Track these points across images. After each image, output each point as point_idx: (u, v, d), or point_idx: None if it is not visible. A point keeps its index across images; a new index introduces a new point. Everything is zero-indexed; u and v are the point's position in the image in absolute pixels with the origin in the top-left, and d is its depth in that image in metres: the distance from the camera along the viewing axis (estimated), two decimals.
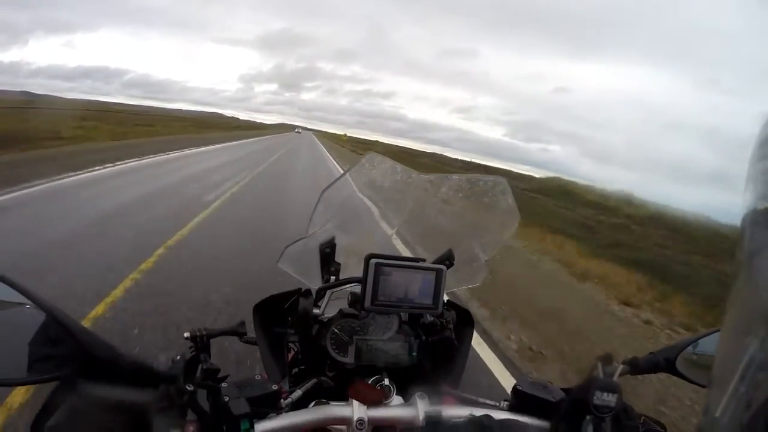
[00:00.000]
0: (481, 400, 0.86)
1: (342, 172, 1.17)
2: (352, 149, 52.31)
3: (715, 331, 0.88)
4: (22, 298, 0.62)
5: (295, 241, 1.11)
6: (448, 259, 1.08)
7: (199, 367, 0.82)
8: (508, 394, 0.89)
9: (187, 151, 20.67)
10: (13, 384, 0.64)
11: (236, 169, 15.34)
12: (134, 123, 39.22)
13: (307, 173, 18.33)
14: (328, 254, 1.12)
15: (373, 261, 0.91)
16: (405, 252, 1.88)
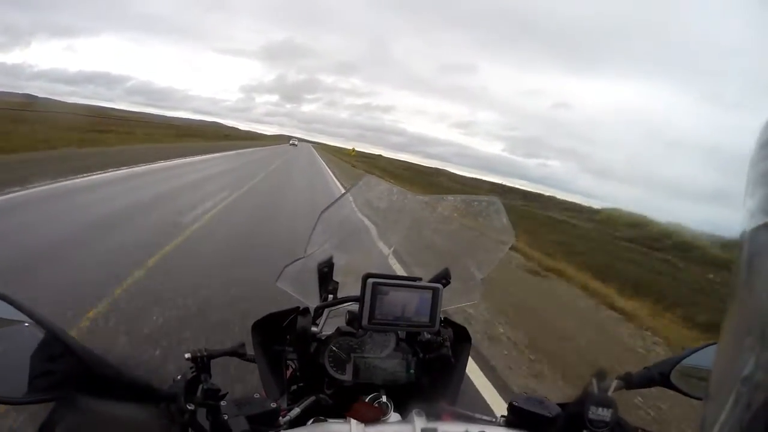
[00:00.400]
0: (477, 416, 0.87)
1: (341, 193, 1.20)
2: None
3: (709, 345, 0.89)
4: (21, 316, 0.62)
5: (294, 261, 1.13)
6: (444, 278, 1.10)
7: (200, 386, 0.83)
8: (504, 410, 0.89)
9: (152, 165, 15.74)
10: (12, 403, 0.62)
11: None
12: (107, 128, 33.10)
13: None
14: (326, 273, 1.13)
15: (371, 281, 0.93)
16: (401, 272, 1.87)
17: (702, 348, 0.89)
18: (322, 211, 1.13)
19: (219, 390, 0.81)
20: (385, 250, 1.30)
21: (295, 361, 1.03)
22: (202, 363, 0.88)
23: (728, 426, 0.28)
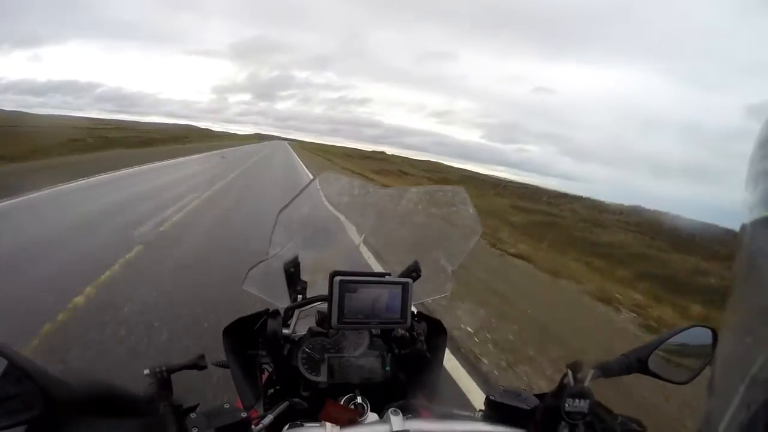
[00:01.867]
0: (455, 411, 0.86)
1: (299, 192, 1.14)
2: None
3: (686, 329, 0.90)
4: None
5: (258, 263, 1.09)
6: (414, 271, 1.08)
7: (162, 403, 0.79)
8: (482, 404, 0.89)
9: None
10: None
11: None
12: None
13: None
14: (293, 273, 1.10)
15: (338, 278, 0.90)
16: (374, 262, 1.75)
17: (680, 331, 0.90)
18: (280, 211, 1.09)
19: (181, 405, 0.77)
20: (356, 239, 1.27)
21: (270, 365, 1.00)
22: (162, 378, 0.84)
23: (732, 422, 0.28)
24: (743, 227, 0.31)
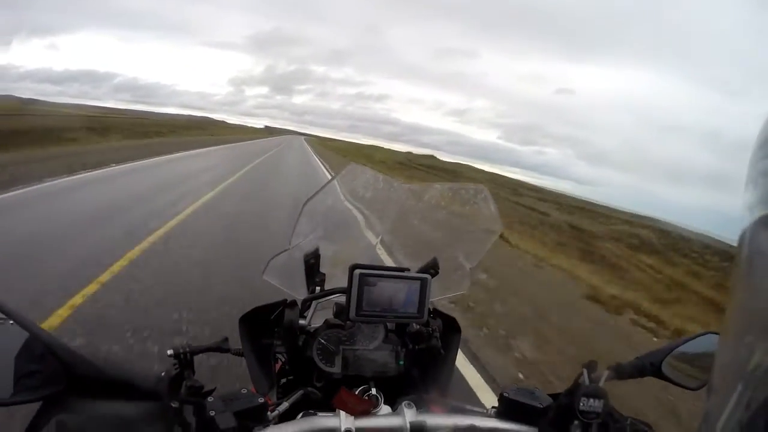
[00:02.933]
0: (468, 407, 0.87)
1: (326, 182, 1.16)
2: None
3: (702, 334, 0.90)
4: (2, 317, 0.61)
5: (279, 253, 1.11)
6: (432, 268, 1.09)
7: (183, 383, 0.81)
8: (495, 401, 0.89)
9: None
10: None
11: None
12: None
13: None
14: (312, 265, 1.12)
15: (358, 271, 0.92)
16: (389, 262, 1.78)
17: (694, 338, 0.89)
18: (306, 202, 1.10)
19: (203, 386, 0.79)
20: (373, 239, 1.28)
21: (284, 355, 1.02)
22: (185, 359, 0.86)
23: (731, 421, 0.28)
24: (743, 228, 0.31)
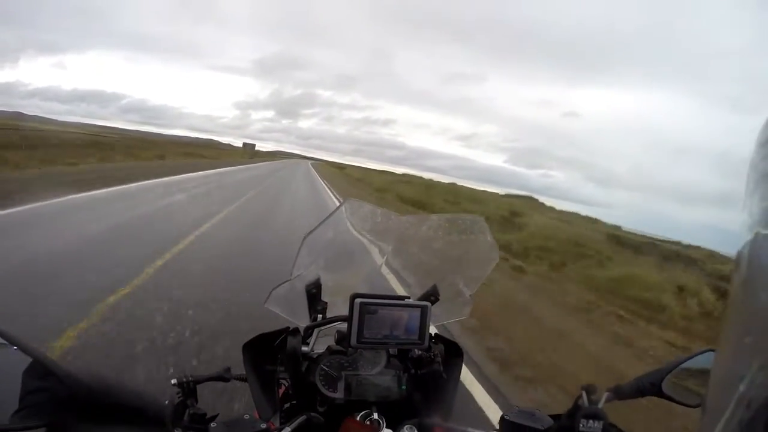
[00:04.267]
0: (470, 430, 0.87)
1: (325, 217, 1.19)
2: None
3: (701, 353, 0.90)
4: (3, 342, 0.61)
5: (281, 284, 1.13)
6: (433, 295, 1.11)
7: (187, 411, 0.82)
8: (497, 424, 0.89)
9: None
10: (2, 430, 0.62)
11: None
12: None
13: None
14: (314, 294, 1.14)
15: (358, 300, 0.94)
16: (395, 282, 1.69)
17: (693, 356, 0.90)
18: (306, 235, 1.14)
19: (206, 414, 0.80)
20: (378, 259, 1.30)
21: (287, 380, 1.03)
22: (188, 388, 0.87)
23: (732, 423, 0.28)
24: (743, 233, 0.31)
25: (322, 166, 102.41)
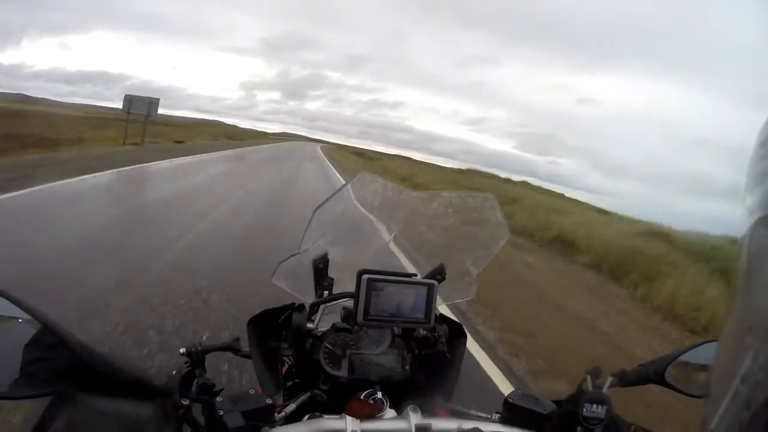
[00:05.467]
0: (473, 412, 0.87)
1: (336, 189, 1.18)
2: None
3: (705, 342, 0.90)
4: (16, 311, 0.61)
5: (289, 257, 1.13)
6: (439, 274, 1.10)
7: (195, 381, 0.83)
8: (500, 406, 0.90)
9: None
10: (8, 398, 0.62)
11: None
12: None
13: None
14: (321, 269, 1.13)
15: (365, 276, 0.93)
16: (403, 258, 1.68)
17: (698, 345, 0.89)
18: (316, 208, 1.13)
19: (214, 385, 0.81)
20: (386, 236, 1.29)
21: (291, 357, 1.04)
22: (196, 358, 0.88)
23: (728, 424, 0.28)
24: (743, 230, 0.31)
25: (334, 152, 71.66)
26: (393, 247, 1.31)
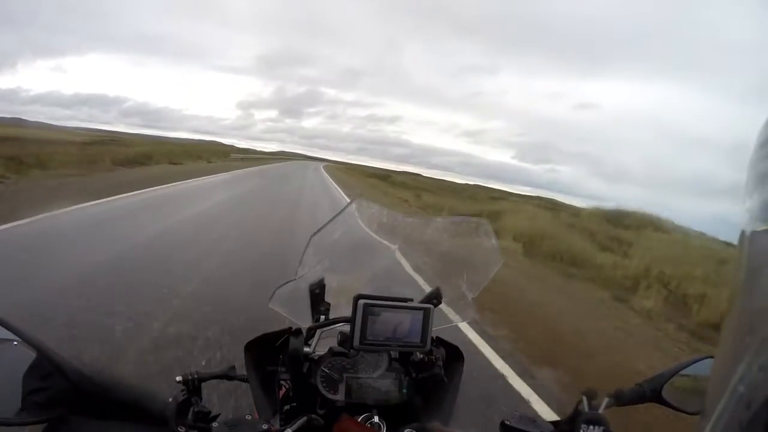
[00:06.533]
0: None
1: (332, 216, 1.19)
2: None
3: (701, 359, 0.90)
4: (10, 335, 0.61)
5: (286, 283, 1.14)
6: (435, 298, 1.11)
7: (191, 409, 0.83)
8: (497, 429, 0.89)
9: None
10: (3, 423, 0.61)
11: None
12: None
13: None
14: (317, 294, 1.14)
15: (362, 302, 0.94)
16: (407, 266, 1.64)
17: (693, 362, 0.89)
18: (313, 235, 1.14)
19: (209, 412, 0.81)
20: (391, 246, 1.30)
21: (288, 381, 1.03)
22: (193, 386, 0.88)
23: (732, 423, 0.28)
24: (743, 232, 0.31)
25: (341, 173, 56.76)
26: (398, 256, 1.31)
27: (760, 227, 0.29)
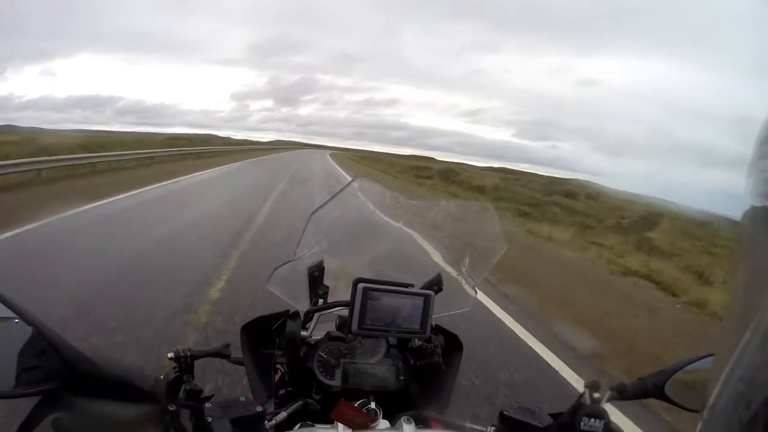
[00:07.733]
0: (467, 425, 0.86)
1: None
2: None
3: (705, 357, 0.89)
4: (10, 313, 0.62)
5: (284, 263, 1.11)
6: (436, 284, 1.09)
7: (182, 387, 0.81)
8: (496, 418, 0.88)
9: None
10: None
11: None
12: None
13: None
14: (316, 277, 1.12)
15: (361, 285, 0.92)
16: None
17: (697, 359, 0.88)
18: (313, 212, 1.11)
19: (201, 391, 0.79)
20: (393, 223, 1.27)
21: (284, 365, 1.02)
22: (185, 363, 0.86)
23: (731, 422, 0.28)
24: (743, 226, 0.31)
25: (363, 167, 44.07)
26: (406, 228, 1.27)
27: (760, 223, 0.29)
